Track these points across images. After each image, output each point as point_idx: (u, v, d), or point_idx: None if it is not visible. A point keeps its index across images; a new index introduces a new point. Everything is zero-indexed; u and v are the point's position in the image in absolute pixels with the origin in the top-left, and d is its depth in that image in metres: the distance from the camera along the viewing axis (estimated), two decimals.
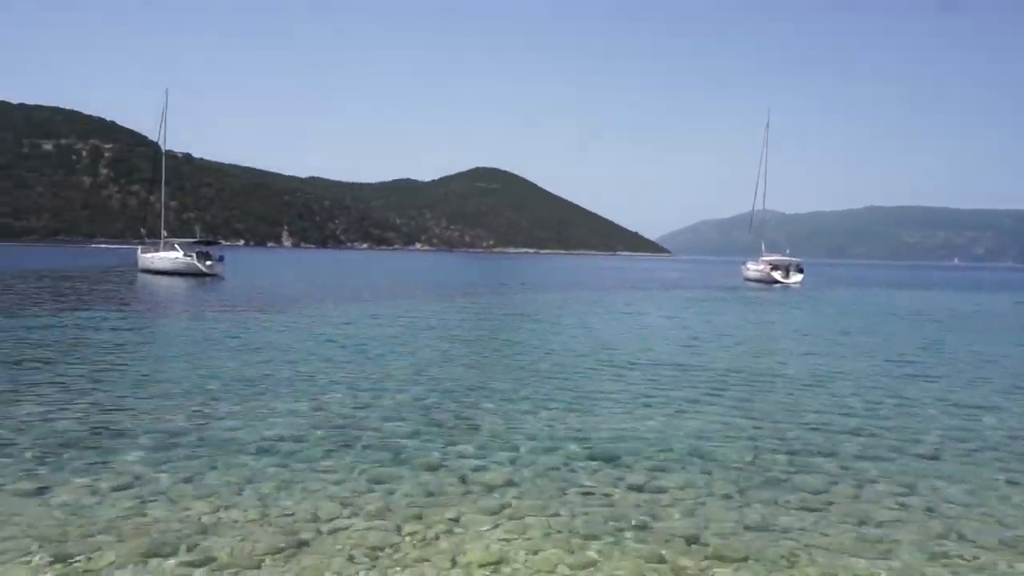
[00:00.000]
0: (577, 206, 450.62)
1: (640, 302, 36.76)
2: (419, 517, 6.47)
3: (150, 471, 7.46)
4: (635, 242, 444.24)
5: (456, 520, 6.43)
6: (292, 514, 6.45)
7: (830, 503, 7.14)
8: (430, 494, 7.07)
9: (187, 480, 7.24)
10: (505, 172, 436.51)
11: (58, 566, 5.32)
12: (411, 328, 21.51)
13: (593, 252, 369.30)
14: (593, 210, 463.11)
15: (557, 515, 6.63)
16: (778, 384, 13.55)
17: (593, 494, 7.21)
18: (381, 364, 14.60)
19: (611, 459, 8.37)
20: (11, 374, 12.41)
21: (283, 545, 5.80)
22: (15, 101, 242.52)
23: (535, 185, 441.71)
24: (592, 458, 8.40)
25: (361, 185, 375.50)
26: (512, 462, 8.17)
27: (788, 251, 67.08)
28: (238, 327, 20.52)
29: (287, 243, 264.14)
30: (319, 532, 6.09)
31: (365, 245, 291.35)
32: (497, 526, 6.34)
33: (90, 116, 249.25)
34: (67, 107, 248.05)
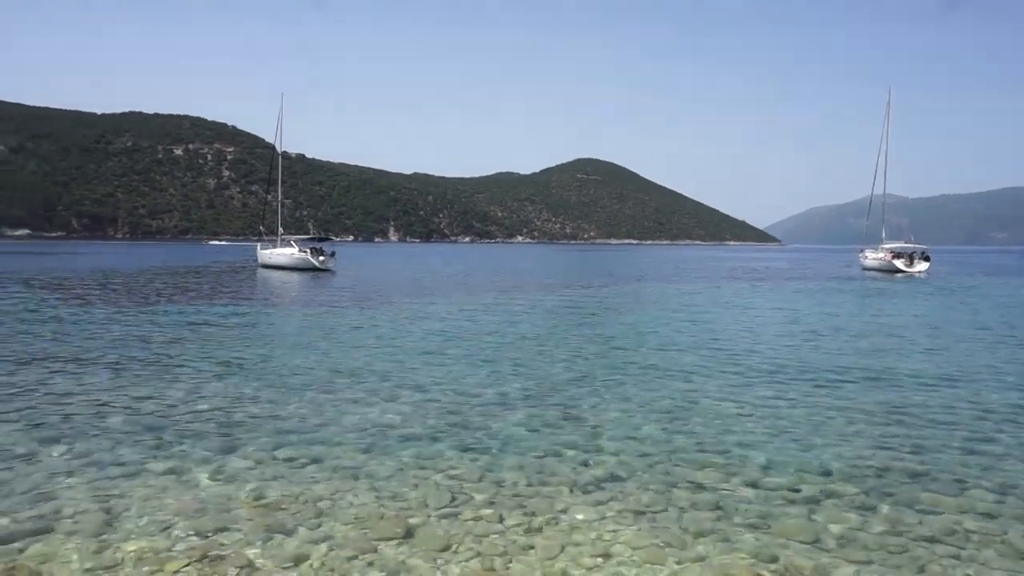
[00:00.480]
0: (681, 195, 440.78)
1: (748, 293, 35.47)
2: (524, 507, 6.52)
3: (270, 456, 7.89)
4: (742, 231, 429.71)
5: (562, 512, 6.43)
6: (403, 501, 6.65)
7: (963, 510, 6.63)
8: (535, 485, 7.10)
9: (304, 465, 7.61)
10: (607, 163, 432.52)
11: (194, 540, 5.73)
12: (513, 320, 21.68)
13: (698, 242, 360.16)
14: (698, 199, 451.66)
15: (665, 510, 6.50)
16: (903, 381, 12.70)
17: (702, 490, 7.02)
18: (483, 356, 14.80)
19: (721, 455, 8.12)
20: (146, 364, 13.45)
21: (395, 531, 5.99)
22: (150, 111, 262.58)
23: (637, 175, 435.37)
24: (701, 453, 8.17)
25: (463, 179, 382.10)
26: (617, 455, 8.07)
27: (911, 237, 62.70)
28: (349, 319, 21.37)
29: (393, 237, 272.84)
30: (428, 519, 6.25)
31: (467, 238, 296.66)
32: (603, 519, 6.29)
33: (214, 122, 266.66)
34: (194, 115, 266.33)
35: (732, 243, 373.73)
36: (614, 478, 7.34)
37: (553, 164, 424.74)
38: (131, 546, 5.62)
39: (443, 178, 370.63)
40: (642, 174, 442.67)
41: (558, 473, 7.47)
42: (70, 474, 7.17)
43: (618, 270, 62.72)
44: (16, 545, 5.57)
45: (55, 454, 7.78)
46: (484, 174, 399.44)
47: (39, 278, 37.73)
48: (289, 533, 5.92)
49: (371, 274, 51.32)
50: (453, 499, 6.72)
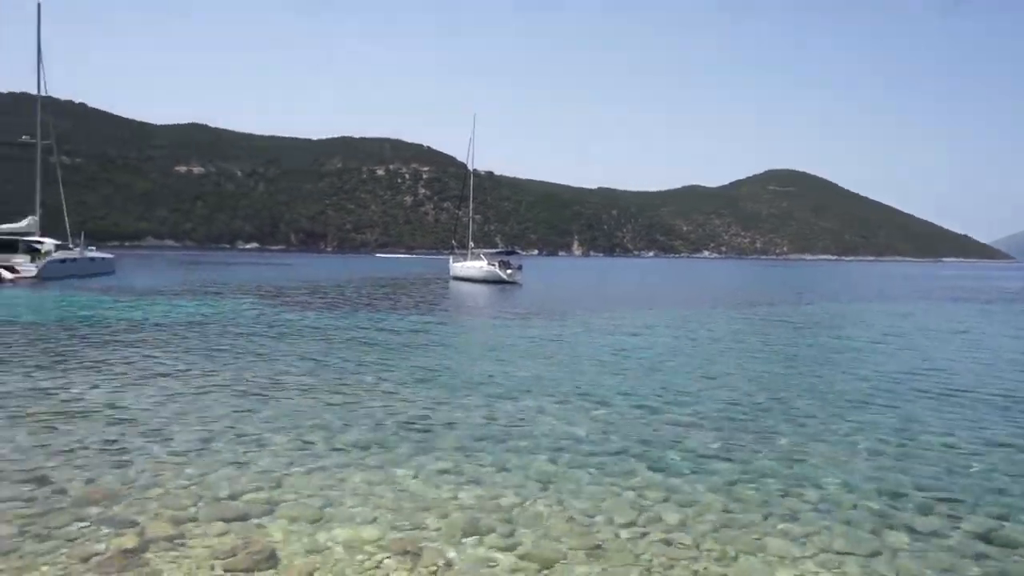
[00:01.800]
0: (888, 207, 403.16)
1: (972, 317, 31.52)
2: (718, 535, 6.25)
3: (465, 460, 8.24)
4: (963, 246, 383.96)
5: (757, 543, 6.09)
6: (591, 516, 6.64)
7: None
8: (727, 512, 6.79)
9: (497, 471, 7.86)
10: (802, 173, 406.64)
11: (396, 534, 6.13)
12: (700, 339, 20.98)
13: (908, 258, 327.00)
14: (908, 211, 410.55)
15: (877, 554, 5.92)
16: None
17: (922, 537, 6.31)
18: (670, 375, 14.45)
19: (944, 499, 7.25)
20: (350, 367, 14.64)
21: (583, 544, 6.00)
22: (357, 136, 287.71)
23: (836, 186, 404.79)
24: (919, 495, 7.36)
25: (648, 193, 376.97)
26: (819, 489, 7.50)
27: None
28: (535, 331, 21.85)
29: (577, 252, 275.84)
30: (616, 537, 6.19)
31: (651, 253, 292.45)
32: (804, 556, 5.86)
33: (411, 143, 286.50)
34: (394, 137, 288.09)
35: (950, 259, 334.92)
36: (816, 513, 6.82)
37: (743, 176, 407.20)
38: (342, 533, 6.12)
39: (627, 192, 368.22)
40: (841, 184, 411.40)
41: (752, 501, 7.08)
42: (291, 463, 7.95)
43: (815, 287, 58.55)
44: (253, 521, 6.30)
45: (280, 443, 8.68)
46: (670, 187, 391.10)
47: (267, 287, 42.63)
48: (482, 536, 6.14)
49: (556, 287, 52.21)
50: (642, 518, 6.60)
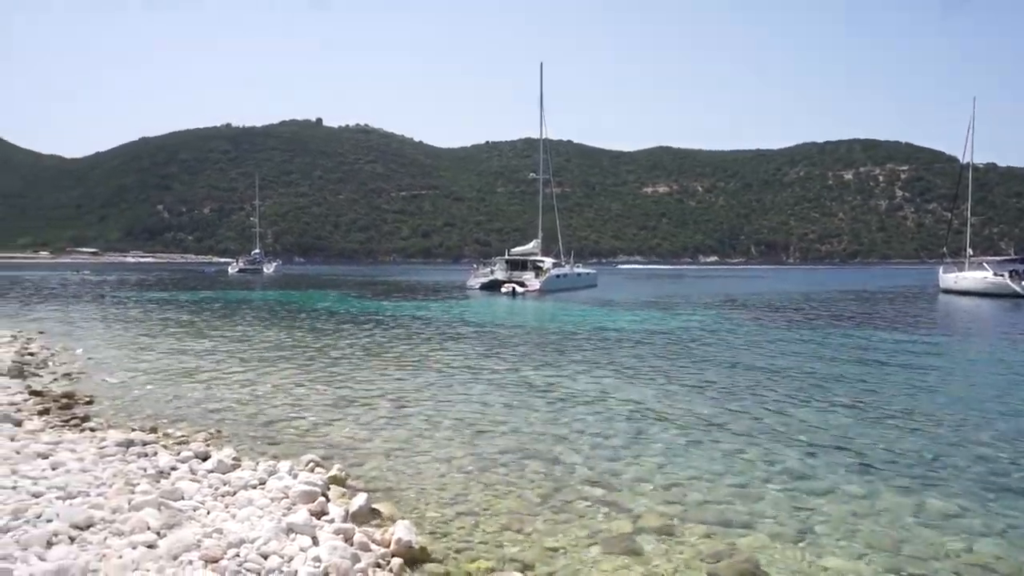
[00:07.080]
0: None
1: None
2: None
3: (983, 507, 6.96)
4: None
5: None
6: None
7: None
8: None
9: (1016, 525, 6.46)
10: None
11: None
12: None
13: None
14: None
15: None
16: None
17: None
18: None
19: None
20: (822, 390, 13.68)
21: None
22: (821, 140, 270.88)
23: None
24: None
25: None
26: None
27: None
28: None
29: None
30: None
31: None
32: None
33: (886, 142, 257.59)
34: (864, 137, 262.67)
35: None
36: None
37: None
38: (827, 562, 5.76)
39: None
40: None
41: None
42: (768, 479, 7.79)
43: None
44: (735, 530, 6.37)
45: (754, 457, 8.59)
46: None
47: (734, 301, 43.19)
48: None
49: None
50: None
